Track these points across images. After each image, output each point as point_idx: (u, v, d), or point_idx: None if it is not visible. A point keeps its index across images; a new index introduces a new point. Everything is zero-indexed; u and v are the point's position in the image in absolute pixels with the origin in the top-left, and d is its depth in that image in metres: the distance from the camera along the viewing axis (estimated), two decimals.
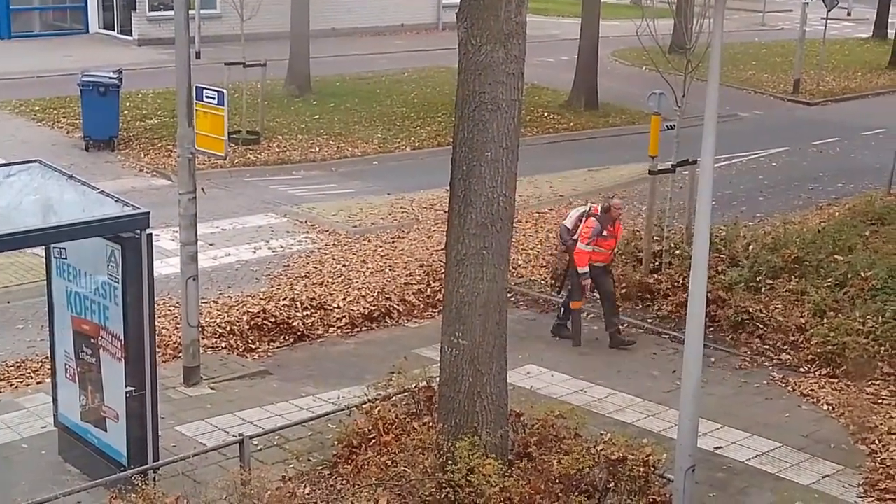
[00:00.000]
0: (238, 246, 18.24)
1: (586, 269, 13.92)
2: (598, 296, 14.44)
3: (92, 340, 10.15)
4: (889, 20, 44.15)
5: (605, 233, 13.99)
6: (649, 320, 15.08)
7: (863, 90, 35.53)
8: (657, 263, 16.12)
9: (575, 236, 14.01)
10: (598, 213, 14.03)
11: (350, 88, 31.26)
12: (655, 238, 16.34)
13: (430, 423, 10.09)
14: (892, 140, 22.45)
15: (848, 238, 16.67)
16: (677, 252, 16.03)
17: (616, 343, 14.26)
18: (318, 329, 14.63)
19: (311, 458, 10.66)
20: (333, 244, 18.37)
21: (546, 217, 20.41)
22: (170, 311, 14.72)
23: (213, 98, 12.37)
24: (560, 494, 9.18)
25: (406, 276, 16.41)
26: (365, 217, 19.98)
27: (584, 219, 14.06)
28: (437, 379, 10.02)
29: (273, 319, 14.44)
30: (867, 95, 34.92)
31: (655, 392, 12.68)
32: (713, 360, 13.44)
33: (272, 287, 16.07)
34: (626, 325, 14.93)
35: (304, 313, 14.75)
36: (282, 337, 14.35)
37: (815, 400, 12.66)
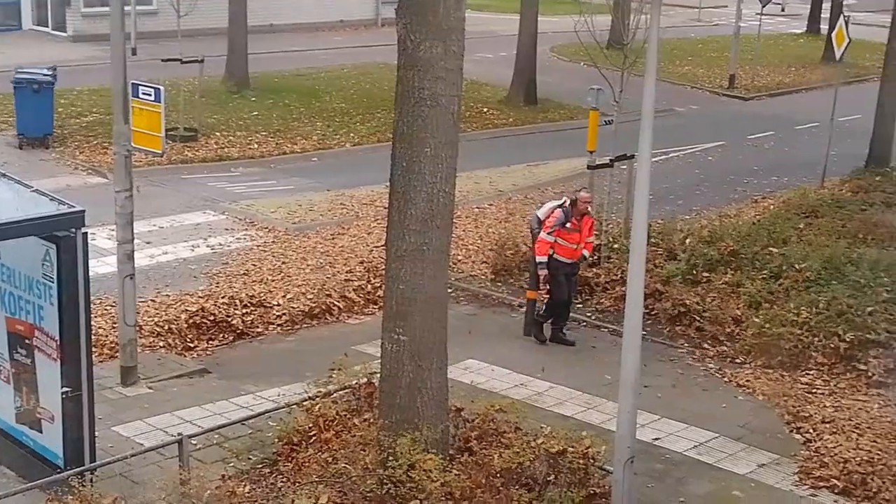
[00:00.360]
0: (176, 244, 18.06)
1: (545, 258, 13.79)
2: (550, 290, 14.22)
3: (27, 341, 10.01)
4: (822, 15, 44.78)
5: (568, 225, 13.83)
6: (589, 314, 15.20)
7: (796, 85, 36.02)
8: (596, 257, 16.23)
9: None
10: (566, 206, 13.96)
11: (289, 85, 31.08)
12: (594, 232, 16.45)
13: (371, 420, 10.08)
14: (825, 134, 22.77)
15: (782, 231, 16.92)
16: (616, 246, 16.17)
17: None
18: (257, 327, 14.56)
19: (251, 457, 10.60)
20: (273, 241, 18.27)
21: (486, 212, 20.47)
22: (106, 310, 14.54)
23: (150, 95, 12.26)
24: (501, 488, 9.24)
25: (346, 272, 16.37)
26: (304, 214, 19.89)
27: (554, 210, 14.01)
28: (378, 375, 10.02)
29: (212, 317, 14.34)
30: (801, 90, 35.41)
31: (595, 385, 12.78)
32: (652, 352, 13.56)
33: (211, 285, 15.95)
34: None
35: (244, 311, 14.66)
36: (221, 335, 14.25)
37: (751, 390, 12.84)
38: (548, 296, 14.25)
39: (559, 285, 13.98)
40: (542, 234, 13.85)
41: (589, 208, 14.19)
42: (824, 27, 42.45)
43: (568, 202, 14.03)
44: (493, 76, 32.33)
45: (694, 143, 26.91)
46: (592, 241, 14.64)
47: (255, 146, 24.65)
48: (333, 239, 18.35)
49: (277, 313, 14.87)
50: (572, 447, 9.66)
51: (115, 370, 12.58)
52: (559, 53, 37.95)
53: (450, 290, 12.77)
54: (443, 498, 8.90)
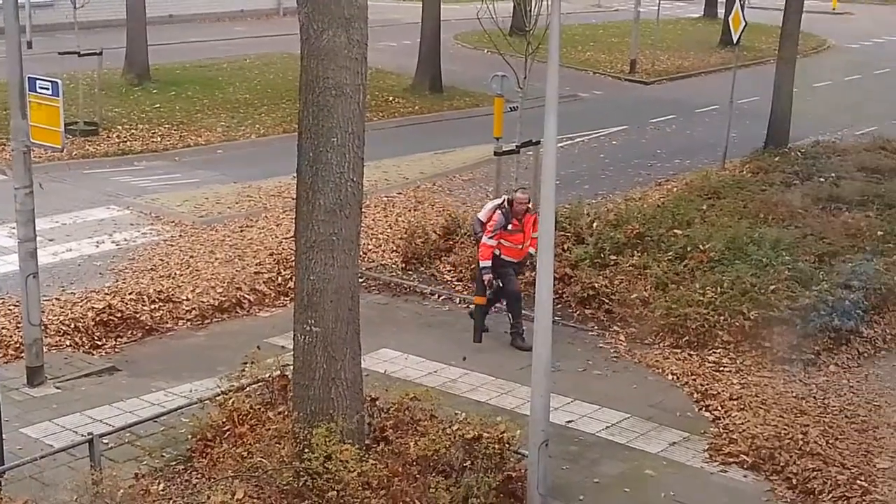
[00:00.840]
0: (80, 240, 17.73)
1: (488, 262, 13.46)
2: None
3: None
4: (719, 0, 45.60)
5: (509, 226, 13.47)
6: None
7: (696, 69, 36.63)
8: None
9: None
10: (505, 207, 13.58)
11: (191, 76, 30.67)
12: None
13: (286, 412, 10.03)
14: (725, 116, 23.23)
15: (686, 212, 17.22)
16: None
17: (517, 344, 13.71)
18: (167, 322, 14.37)
19: (164, 454, 10.48)
20: (180, 235, 18.04)
21: (395, 201, 20.46)
22: (10, 310, 14.23)
23: (48, 89, 12.00)
24: (418, 476, 9.27)
25: (256, 265, 16.24)
26: (211, 207, 19.67)
27: (494, 212, 13.62)
28: (291, 367, 9.97)
29: (119, 314, 14.10)
30: (700, 74, 36.03)
31: (508, 370, 12.88)
32: (563, 336, 13.70)
33: (117, 281, 15.69)
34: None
35: (152, 307, 14.46)
36: (129, 332, 14.03)
37: (660, 370, 13.05)
38: (500, 289, 13.81)
39: (508, 278, 13.67)
40: (484, 239, 13.53)
41: (529, 206, 13.70)
42: (721, 11, 43.23)
43: (506, 203, 13.69)
44: (397, 65, 32.31)
45: (598, 128, 27.23)
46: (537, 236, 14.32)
47: (159, 139, 24.29)
48: (242, 231, 18.18)
49: (187, 308, 14.70)
50: (487, 432, 9.74)
51: (21, 371, 12.33)
52: (463, 41, 38.07)
53: (361, 280, 12.72)
54: (360, 488, 8.90)
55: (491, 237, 13.46)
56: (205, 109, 27.07)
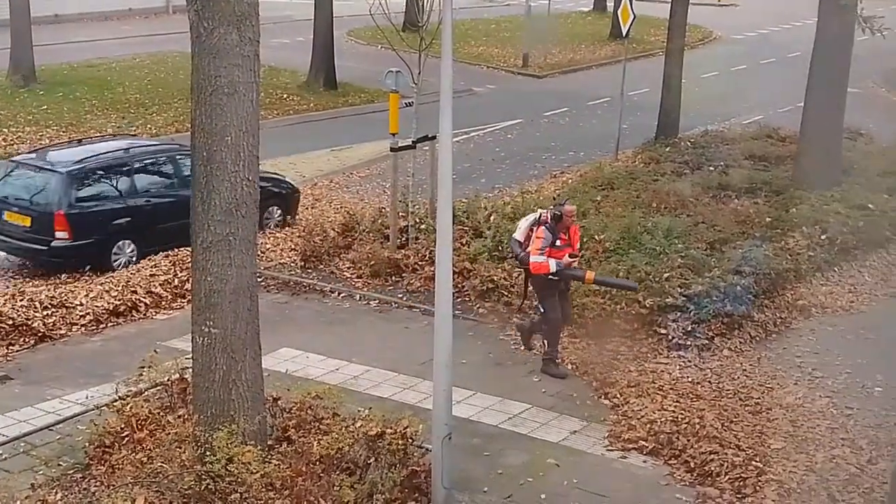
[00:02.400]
0: None
1: (555, 265, 12.40)
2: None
3: None
4: None
5: (558, 242, 12.51)
6: (399, 295, 15.32)
7: (587, 62, 37.13)
8: (404, 239, 16.38)
9: (529, 248, 12.59)
10: (549, 222, 12.57)
11: (79, 76, 30.05)
12: (401, 214, 16.59)
13: (186, 416, 9.92)
14: (617, 108, 23.60)
15: (581, 204, 17.40)
16: (423, 227, 16.35)
17: (550, 371, 12.81)
18: (60, 328, 14.05)
19: (61, 463, 10.26)
20: None
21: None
22: None
23: None
24: (322, 475, 9.24)
25: (151, 266, 15.96)
26: None
27: (534, 228, 12.65)
28: (191, 370, 9.86)
29: (10, 321, 13.75)
30: (591, 67, 36.53)
31: (409, 365, 12.90)
32: (464, 329, 13.78)
33: (8, 287, 15.30)
34: (377, 301, 15.11)
35: (45, 312, 14.12)
36: (21, 339, 13.69)
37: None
38: (541, 317, 12.94)
39: (553, 304, 12.68)
40: (533, 258, 12.42)
41: (574, 219, 12.93)
42: (610, 4, 43.85)
43: (548, 217, 12.63)
44: (291, 62, 32.10)
45: (493, 122, 27.43)
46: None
47: (47, 141, 23.68)
48: None
49: (80, 313, 14.39)
50: (390, 428, 9.76)
51: None
52: (356, 37, 38.00)
53: (260, 280, 12.64)
54: (263, 489, 8.85)
55: (541, 254, 12.43)
56: (94, 110, 26.55)
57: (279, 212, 18.68)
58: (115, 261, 15.99)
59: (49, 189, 16.06)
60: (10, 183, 16.63)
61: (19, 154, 19.22)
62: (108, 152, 16.95)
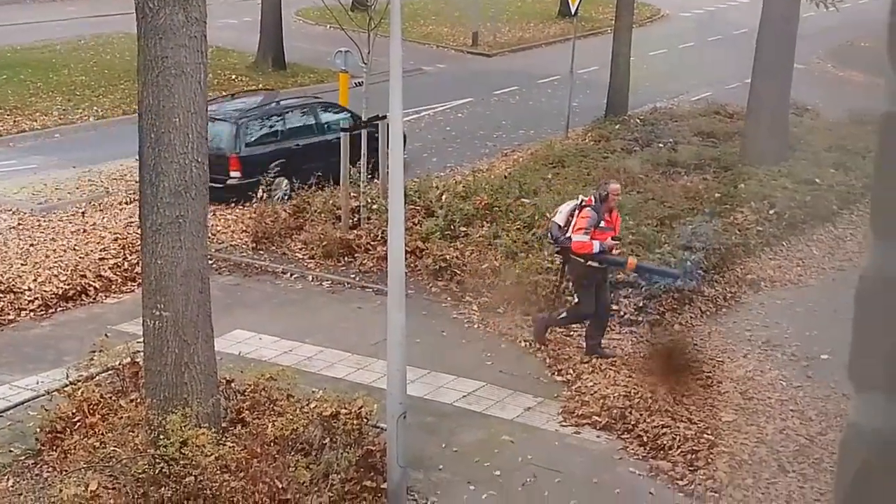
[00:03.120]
0: None
1: (598, 245, 12.17)
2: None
3: None
4: None
5: (602, 223, 12.29)
6: (352, 276, 15.30)
7: (536, 40, 37.14)
8: (356, 219, 16.34)
9: (568, 234, 12.35)
10: (593, 203, 12.36)
11: (22, 59, 29.58)
12: (352, 194, 16.54)
13: (139, 400, 9.86)
14: (566, 86, 23.65)
15: (532, 182, 17.50)
16: (374, 207, 16.31)
17: (600, 353, 12.52)
18: (8, 314, 13.88)
19: (12, 449, 10.17)
20: (18, 224, 17.42)
21: None
22: None
23: None
24: (277, 456, 9.23)
25: (100, 250, 15.80)
26: (50, 193, 19.06)
27: (577, 211, 12.41)
28: (142, 354, 9.79)
29: None
30: (540, 45, 36.54)
31: (363, 345, 12.90)
32: (417, 308, 13.79)
33: None
34: (330, 282, 15.08)
35: None
36: None
37: (513, 338, 13.26)
38: (573, 308, 12.85)
39: (589, 296, 12.48)
40: (577, 238, 12.19)
41: (619, 198, 12.81)
42: None
43: (592, 199, 12.46)
44: (239, 42, 31.82)
45: (443, 101, 27.36)
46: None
47: None
48: (84, 217, 17.68)
49: (29, 298, 14.21)
50: (345, 408, 9.77)
51: None
52: (304, 17, 37.70)
53: (210, 262, 12.55)
54: (218, 471, 8.82)
55: (586, 233, 12.18)
56: (39, 93, 26.17)
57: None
58: (274, 196, 17.50)
59: (223, 136, 18.32)
60: None
61: None
62: (264, 105, 19.67)
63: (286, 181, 18.10)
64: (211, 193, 16.70)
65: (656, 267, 13.45)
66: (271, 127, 19.25)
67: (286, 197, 17.88)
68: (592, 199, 12.49)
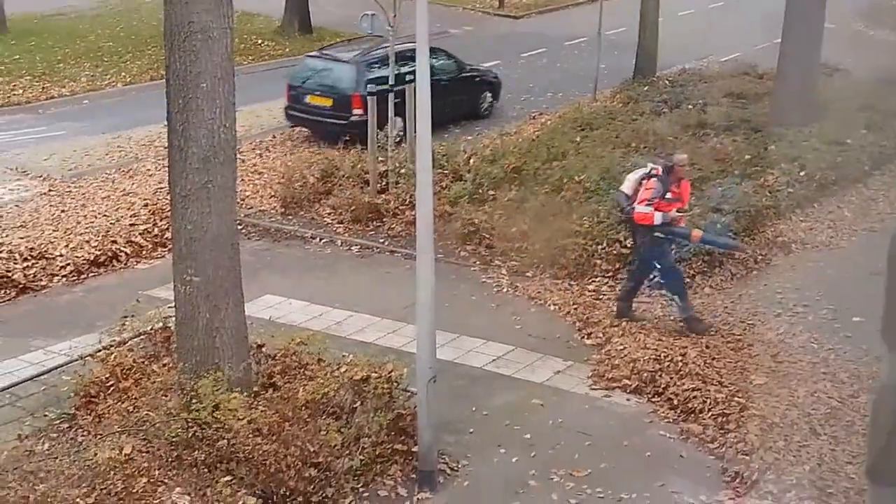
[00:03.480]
0: None
1: (660, 217, 11.97)
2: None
3: None
4: None
5: (668, 195, 12.09)
6: (381, 240, 15.31)
7: (564, 1, 36.79)
8: (384, 184, 16.32)
9: (633, 203, 12.17)
10: (660, 174, 12.13)
11: (50, 26, 29.66)
12: (380, 159, 16.52)
13: (171, 364, 9.92)
14: (594, 48, 23.45)
15: (561, 145, 17.40)
16: (402, 171, 16.29)
17: (696, 329, 12.13)
18: (41, 280, 14.01)
19: (47, 414, 10.28)
20: (49, 190, 17.54)
21: (271, 144, 20.24)
22: None
23: None
24: (308, 420, 9.28)
25: (131, 216, 15.89)
26: (80, 159, 19.15)
27: (644, 180, 12.21)
28: (174, 319, 9.84)
29: None
30: (568, 6, 36.20)
31: (393, 310, 12.92)
32: (446, 273, 13.78)
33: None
34: (358, 247, 15.10)
35: (25, 264, 14.07)
36: (2, 291, 13.66)
37: (542, 302, 13.25)
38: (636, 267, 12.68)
39: (649, 261, 12.32)
40: (640, 209, 11.98)
41: (686, 169, 12.52)
42: None
43: (660, 170, 12.19)
44: (264, 6, 31.72)
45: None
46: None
47: (20, 92, 23.50)
48: (114, 183, 17.77)
49: (61, 264, 14.34)
50: (375, 372, 9.80)
51: None
52: None
53: (239, 227, 12.59)
54: (250, 435, 8.88)
55: (648, 205, 11.99)
56: (67, 59, 26.24)
57: (490, 97, 22.75)
58: (390, 135, 18.04)
59: (346, 76, 20.22)
60: (308, 74, 20.86)
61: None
62: (380, 48, 19.93)
63: (400, 120, 18.22)
64: (336, 130, 19.49)
65: (721, 240, 13.25)
66: (387, 68, 19.33)
67: (401, 135, 18.00)
68: (661, 169, 12.20)
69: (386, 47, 19.58)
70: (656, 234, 12.14)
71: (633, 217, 12.15)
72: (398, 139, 17.86)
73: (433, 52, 20.03)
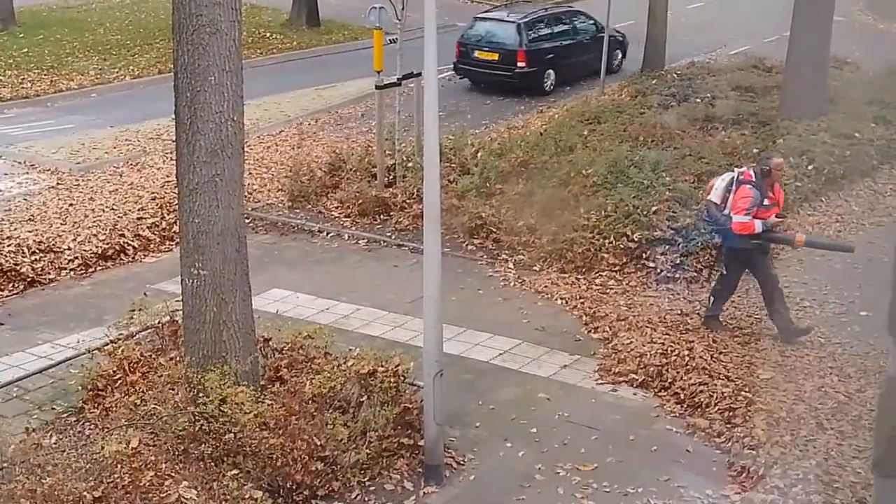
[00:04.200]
0: None
1: (760, 225, 11.50)
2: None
3: None
4: None
5: (765, 201, 11.54)
6: (388, 234, 15.32)
7: None
8: (391, 177, 16.33)
9: (726, 211, 11.62)
10: (753, 179, 11.56)
11: (58, 18, 29.70)
12: (387, 152, 16.52)
13: (178, 358, 9.94)
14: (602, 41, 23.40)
15: (568, 139, 17.38)
16: (410, 164, 16.29)
17: (787, 335, 11.78)
18: (49, 273, 14.04)
19: (54, 407, 10.32)
20: (57, 183, 17.57)
21: (278, 139, 20.24)
22: None
23: None
24: (315, 413, 9.29)
25: (138, 210, 15.92)
26: (88, 153, 19.17)
27: (734, 187, 11.63)
28: (181, 312, 9.86)
29: None
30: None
31: (399, 303, 12.94)
32: (453, 266, 13.79)
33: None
34: (366, 241, 15.11)
35: (33, 258, 14.11)
36: (10, 285, 13.68)
37: (549, 296, 13.25)
38: (720, 278, 12.26)
39: (737, 272, 11.97)
40: (738, 218, 11.46)
41: (782, 172, 11.99)
42: None
43: (748, 174, 11.63)
44: (272, 0, 31.75)
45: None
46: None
47: (29, 85, 23.54)
48: (122, 177, 17.80)
49: (69, 258, 14.38)
50: (382, 366, 9.81)
51: None
52: None
53: (247, 220, 12.60)
54: (257, 429, 8.89)
55: (747, 214, 11.47)
56: (75, 52, 26.27)
57: (620, 55, 25.74)
58: (545, 84, 23.74)
59: (511, 34, 23.82)
60: (476, 32, 24.44)
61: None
62: (536, 11, 24.95)
63: (553, 72, 23.39)
64: (503, 80, 23.71)
65: (828, 241, 12.94)
66: (544, 28, 24.34)
67: (553, 85, 23.56)
68: (751, 173, 11.61)
69: (542, 10, 25.23)
70: (754, 241, 11.64)
71: (730, 227, 11.57)
72: (552, 84, 23.44)
73: (577, 14, 25.60)
